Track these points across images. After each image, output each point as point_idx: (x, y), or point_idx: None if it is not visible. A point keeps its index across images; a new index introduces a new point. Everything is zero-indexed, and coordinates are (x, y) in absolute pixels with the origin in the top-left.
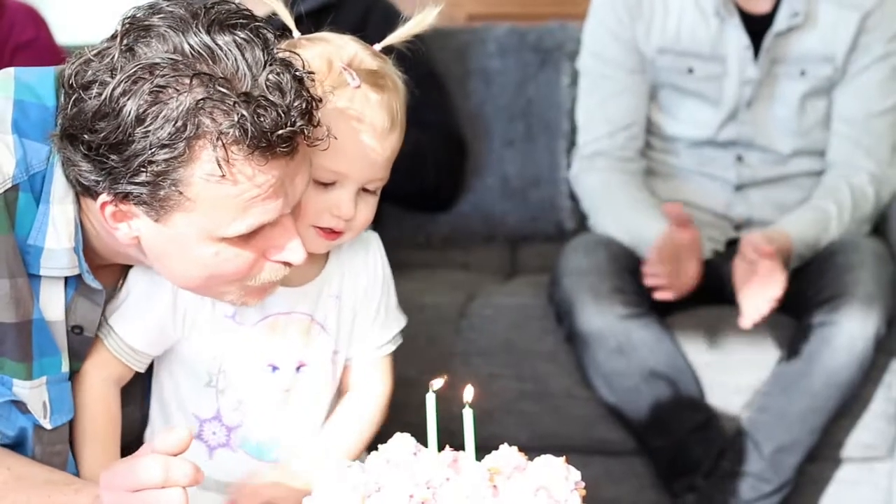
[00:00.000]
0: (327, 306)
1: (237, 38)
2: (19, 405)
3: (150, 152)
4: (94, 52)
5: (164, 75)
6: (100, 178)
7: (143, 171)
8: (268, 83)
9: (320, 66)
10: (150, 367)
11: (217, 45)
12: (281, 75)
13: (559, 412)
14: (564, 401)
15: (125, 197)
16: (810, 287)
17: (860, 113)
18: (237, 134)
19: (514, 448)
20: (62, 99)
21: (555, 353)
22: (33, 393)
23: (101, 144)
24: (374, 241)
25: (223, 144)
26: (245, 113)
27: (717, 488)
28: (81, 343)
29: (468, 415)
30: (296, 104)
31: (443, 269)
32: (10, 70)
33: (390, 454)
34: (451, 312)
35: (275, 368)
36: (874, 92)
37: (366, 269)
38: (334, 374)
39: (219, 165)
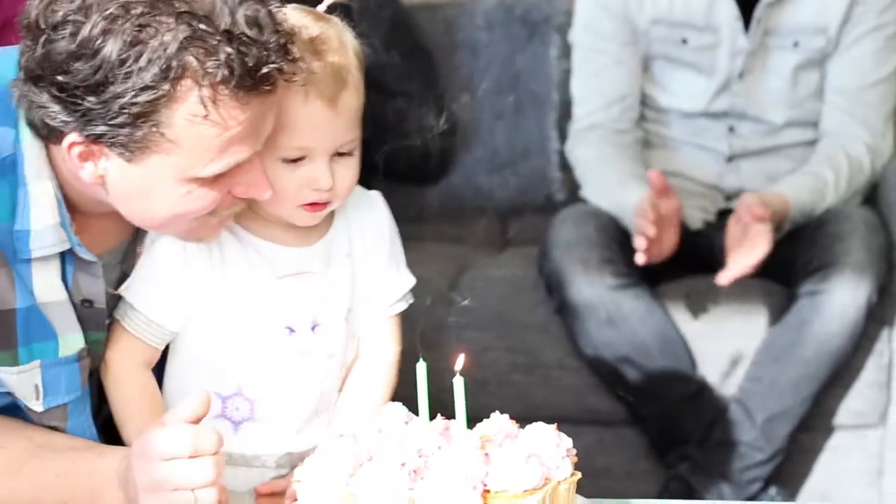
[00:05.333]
0: (339, 264)
1: None
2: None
3: (132, 94)
4: None
5: (143, 14)
6: (71, 119)
7: (123, 113)
8: (246, 19)
9: None
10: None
11: None
12: (257, 10)
13: (551, 383)
14: (556, 372)
15: (98, 137)
16: (801, 255)
17: (854, 84)
18: (225, 73)
19: (506, 416)
20: (24, 41)
21: (546, 325)
22: (21, 378)
23: (78, 86)
24: (379, 199)
25: (210, 84)
26: (230, 51)
27: (709, 457)
28: (96, 315)
29: (459, 383)
30: (273, 40)
31: (434, 241)
32: None
33: (382, 424)
34: (442, 285)
35: (291, 331)
36: (868, 63)
37: (372, 226)
38: (350, 333)
39: (204, 105)
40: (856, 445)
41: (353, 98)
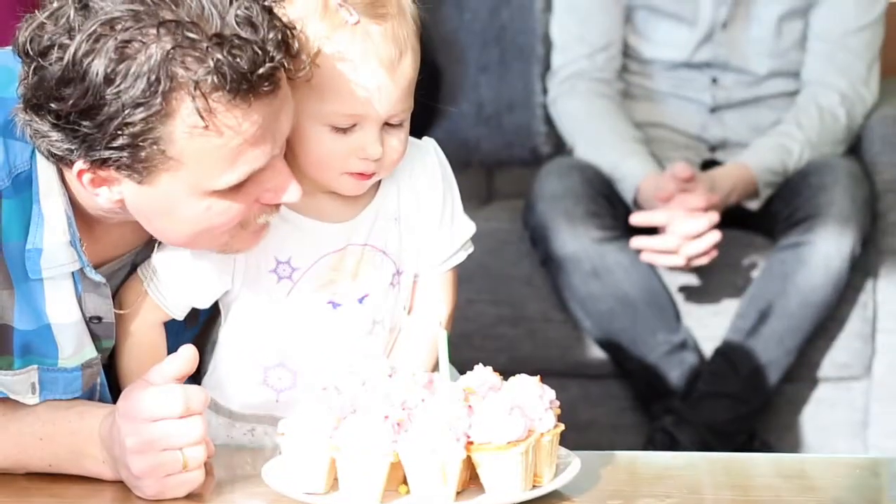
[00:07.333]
0: (386, 230)
1: None
2: None
3: (124, 113)
4: (47, 13)
5: (126, 28)
6: (73, 147)
7: (120, 135)
8: (237, 19)
9: (315, 6)
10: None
11: None
12: (249, 9)
13: (536, 336)
14: (541, 324)
15: (103, 163)
16: (785, 208)
17: (837, 30)
18: (215, 80)
19: (489, 368)
20: (20, 68)
21: (531, 278)
22: (17, 378)
23: (71, 112)
24: (430, 148)
25: (202, 93)
26: (220, 56)
27: (693, 410)
28: (105, 328)
29: (442, 335)
30: (270, 37)
31: None
32: None
33: (366, 376)
34: None
35: (336, 305)
36: (851, 9)
37: (423, 179)
38: (399, 295)
39: (200, 116)
40: (841, 397)
41: (410, 65)
